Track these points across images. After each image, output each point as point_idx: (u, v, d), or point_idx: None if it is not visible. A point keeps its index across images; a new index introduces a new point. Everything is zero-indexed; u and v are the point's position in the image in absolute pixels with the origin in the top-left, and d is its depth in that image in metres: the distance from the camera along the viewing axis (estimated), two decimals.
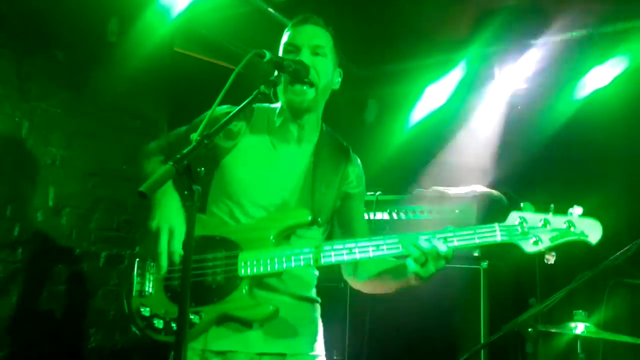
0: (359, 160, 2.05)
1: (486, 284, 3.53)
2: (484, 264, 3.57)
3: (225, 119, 1.56)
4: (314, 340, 1.92)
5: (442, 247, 1.60)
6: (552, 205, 1.61)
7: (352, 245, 1.71)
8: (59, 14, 3.33)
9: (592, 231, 1.59)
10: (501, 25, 4.04)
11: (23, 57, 3.16)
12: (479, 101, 4.78)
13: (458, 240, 1.63)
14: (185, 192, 1.38)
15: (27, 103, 3.18)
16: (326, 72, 1.92)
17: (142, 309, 1.79)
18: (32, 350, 3.13)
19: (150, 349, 3.77)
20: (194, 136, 1.45)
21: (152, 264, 1.83)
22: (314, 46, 1.90)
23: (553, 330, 3.01)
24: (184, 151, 1.38)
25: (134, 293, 1.81)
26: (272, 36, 4.01)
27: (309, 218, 1.78)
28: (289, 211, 1.86)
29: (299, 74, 1.80)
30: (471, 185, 3.66)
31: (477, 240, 1.63)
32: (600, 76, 4.18)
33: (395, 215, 3.74)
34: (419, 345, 3.69)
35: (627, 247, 2.50)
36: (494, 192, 3.55)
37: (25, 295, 3.12)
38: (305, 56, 1.88)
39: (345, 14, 4.03)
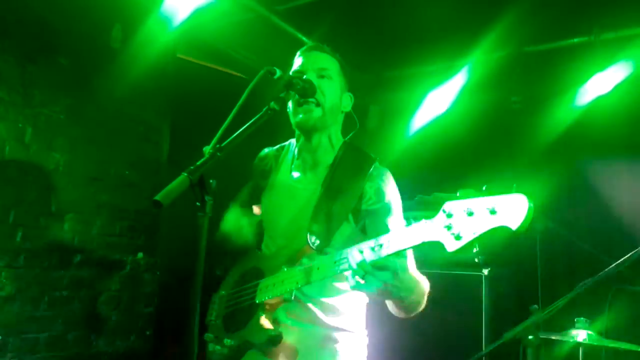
0: (382, 173, 1.94)
1: (488, 291, 3.54)
2: (486, 271, 3.57)
3: (237, 133, 1.58)
4: None
5: (370, 257, 1.47)
6: (484, 187, 1.32)
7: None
8: (62, 20, 3.35)
9: (515, 213, 1.23)
10: (503, 32, 4.05)
11: (27, 64, 3.18)
12: (481, 107, 4.80)
13: (388, 247, 1.46)
14: (198, 203, 1.42)
15: (30, 109, 3.20)
16: (332, 93, 1.95)
17: (206, 335, 1.97)
18: (34, 356, 3.14)
19: (151, 356, 3.77)
20: (207, 149, 1.49)
21: (217, 296, 2.06)
22: (318, 69, 1.94)
23: (555, 338, 3.00)
24: (198, 163, 1.44)
25: (206, 321, 2.05)
26: (274, 43, 4.07)
27: (304, 242, 1.81)
28: (295, 237, 1.89)
29: (306, 92, 1.85)
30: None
31: (407, 244, 1.44)
32: (602, 83, 4.18)
33: None
34: (420, 351, 3.68)
35: (629, 254, 2.50)
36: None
37: (28, 300, 3.13)
38: (311, 79, 1.91)
39: (347, 20, 4.05)
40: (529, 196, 1.24)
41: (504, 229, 1.26)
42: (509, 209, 1.25)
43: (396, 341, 3.69)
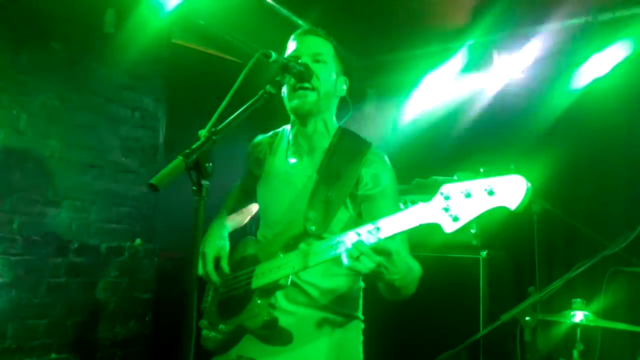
0: (379, 158, 1.93)
1: (485, 273, 3.55)
2: (484, 254, 3.58)
3: (233, 116, 1.57)
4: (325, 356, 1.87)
5: (368, 239, 1.49)
6: (481, 170, 1.36)
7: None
8: (56, 5, 3.31)
9: (514, 193, 1.28)
10: (500, 13, 4.03)
11: (20, 49, 3.15)
12: (478, 90, 4.78)
13: (385, 230, 1.49)
14: (194, 188, 1.41)
15: (25, 96, 3.17)
16: (327, 77, 1.93)
17: (200, 322, 1.97)
18: (33, 343, 3.15)
19: (150, 341, 3.79)
20: (203, 132, 1.48)
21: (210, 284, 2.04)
22: (313, 54, 1.93)
23: (552, 319, 3.02)
24: (193, 146, 1.42)
25: (201, 308, 2.03)
26: (269, 27, 4.04)
27: (301, 228, 1.81)
28: (291, 224, 1.89)
29: (302, 76, 1.83)
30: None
31: (405, 227, 1.46)
32: (600, 64, 4.16)
33: None
34: (417, 334, 3.71)
35: (625, 236, 2.51)
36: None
37: (25, 287, 3.13)
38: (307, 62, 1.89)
39: (344, 4, 4.02)
40: (527, 177, 1.28)
41: (502, 209, 1.30)
42: (507, 190, 1.29)
43: (393, 323, 3.71)
